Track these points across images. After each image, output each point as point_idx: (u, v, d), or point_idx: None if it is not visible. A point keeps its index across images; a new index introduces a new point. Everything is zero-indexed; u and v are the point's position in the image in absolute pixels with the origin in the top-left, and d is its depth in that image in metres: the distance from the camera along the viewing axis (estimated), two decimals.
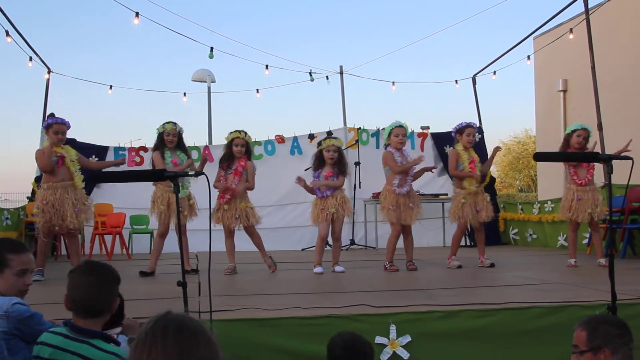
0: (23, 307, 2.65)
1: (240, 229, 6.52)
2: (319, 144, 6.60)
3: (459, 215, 6.70)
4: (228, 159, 6.48)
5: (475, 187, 6.70)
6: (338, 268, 6.36)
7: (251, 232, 6.50)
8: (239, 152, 6.44)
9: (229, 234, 6.50)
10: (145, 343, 1.50)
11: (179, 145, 6.51)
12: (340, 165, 6.47)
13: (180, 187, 6.34)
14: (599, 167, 6.79)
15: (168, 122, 6.45)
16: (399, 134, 6.50)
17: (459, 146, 6.80)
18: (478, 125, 6.97)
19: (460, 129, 6.83)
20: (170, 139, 6.39)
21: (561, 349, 3.51)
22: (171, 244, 6.73)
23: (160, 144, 6.42)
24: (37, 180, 9.42)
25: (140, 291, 5.05)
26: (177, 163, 6.37)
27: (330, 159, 6.41)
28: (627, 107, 11.73)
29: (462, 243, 7.30)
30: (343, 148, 6.91)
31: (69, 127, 6.18)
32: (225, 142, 6.64)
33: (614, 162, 3.18)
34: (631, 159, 3.09)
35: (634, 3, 12.09)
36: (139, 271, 6.27)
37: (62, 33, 47.06)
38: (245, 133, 6.54)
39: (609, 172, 3.17)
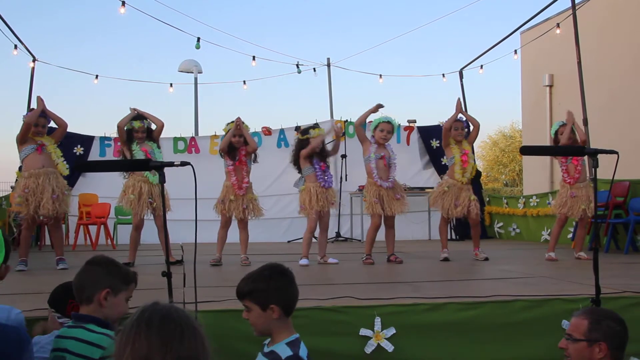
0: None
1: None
2: (306, 131, 6.58)
3: (436, 202, 6.75)
4: (230, 151, 6.43)
5: (466, 180, 6.71)
6: (332, 260, 6.40)
7: (244, 226, 6.48)
8: (237, 142, 6.42)
9: (225, 224, 6.47)
10: (130, 333, 1.52)
11: (149, 137, 6.53)
12: (322, 155, 6.59)
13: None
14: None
15: (136, 121, 6.43)
16: (384, 129, 6.49)
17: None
18: (464, 120, 6.98)
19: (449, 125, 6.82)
20: (139, 135, 6.42)
21: (545, 342, 3.54)
22: (155, 235, 6.72)
23: (128, 138, 6.42)
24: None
25: None
26: (147, 151, 6.35)
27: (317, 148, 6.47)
28: (613, 102, 11.82)
29: (448, 237, 7.32)
30: (328, 141, 6.96)
31: (49, 120, 6.15)
32: (211, 133, 6.59)
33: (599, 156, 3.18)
34: (616, 153, 3.10)
35: None
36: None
37: (48, 22, 46.49)
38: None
39: (594, 166, 3.18)
